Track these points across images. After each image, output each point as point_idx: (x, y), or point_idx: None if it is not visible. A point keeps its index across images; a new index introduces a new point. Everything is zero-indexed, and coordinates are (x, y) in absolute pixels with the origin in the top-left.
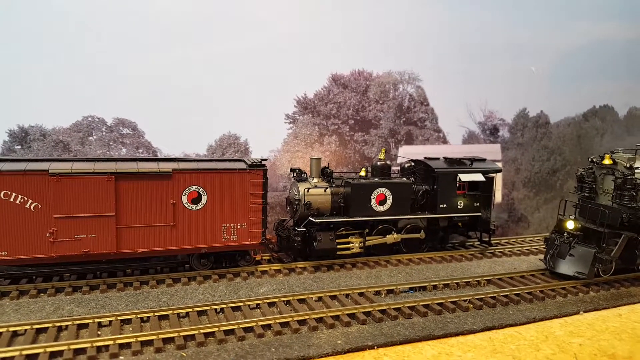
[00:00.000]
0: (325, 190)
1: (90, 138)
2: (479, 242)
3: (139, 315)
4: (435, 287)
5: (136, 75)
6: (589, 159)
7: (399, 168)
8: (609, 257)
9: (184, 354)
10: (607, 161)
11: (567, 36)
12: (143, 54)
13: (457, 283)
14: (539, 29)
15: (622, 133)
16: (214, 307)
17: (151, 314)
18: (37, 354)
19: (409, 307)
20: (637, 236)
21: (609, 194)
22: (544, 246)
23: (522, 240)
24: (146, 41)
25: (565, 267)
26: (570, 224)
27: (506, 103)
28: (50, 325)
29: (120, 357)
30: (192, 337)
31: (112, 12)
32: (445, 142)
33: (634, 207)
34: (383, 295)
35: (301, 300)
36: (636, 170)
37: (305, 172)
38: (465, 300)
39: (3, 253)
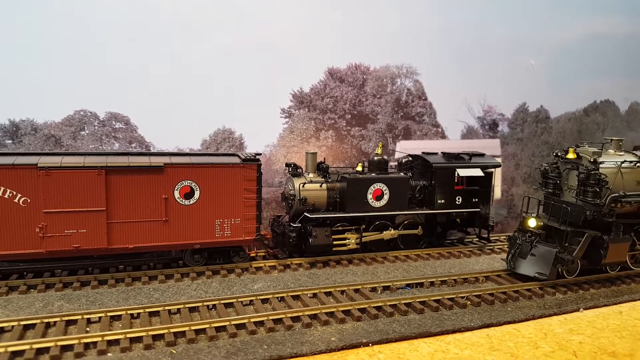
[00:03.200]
0: (321, 186)
1: (83, 132)
2: (477, 239)
3: (129, 312)
4: (432, 283)
5: (129, 69)
6: (553, 153)
7: (396, 163)
8: (570, 258)
9: (174, 351)
10: (571, 155)
11: (567, 30)
12: (136, 48)
13: (454, 280)
14: (539, 22)
15: (623, 128)
16: (206, 303)
17: (141, 311)
18: (24, 351)
19: (405, 303)
20: (602, 235)
21: (573, 190)
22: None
23: None
24: (140, 35)
25: (526, 267)
26: (532, 222)
27: (505, 98)
28: (38, 321)
29: (109, 354)
30: (183, 333)
31: (106, 6)
32: (443, 137)
33: (597, 204)
34: (379, 292)
35: (295, 297)
36: (601, 165)
37: (300, 167)
38: (462, 297)
39: None
